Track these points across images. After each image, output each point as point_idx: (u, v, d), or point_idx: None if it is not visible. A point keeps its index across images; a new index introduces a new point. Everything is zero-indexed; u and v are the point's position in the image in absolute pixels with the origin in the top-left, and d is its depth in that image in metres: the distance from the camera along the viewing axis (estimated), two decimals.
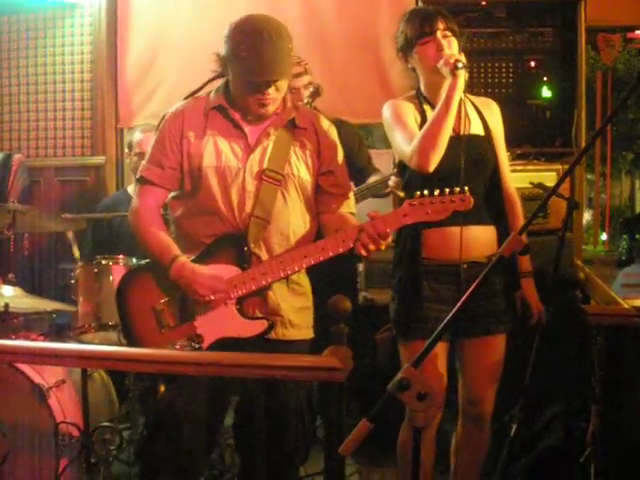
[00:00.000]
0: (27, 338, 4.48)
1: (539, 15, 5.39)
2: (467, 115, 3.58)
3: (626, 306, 3.88)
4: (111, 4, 6.40)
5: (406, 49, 3.61)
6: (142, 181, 3.34)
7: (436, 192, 3.06)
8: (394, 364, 3.74)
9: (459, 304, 2.41)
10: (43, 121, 6.64)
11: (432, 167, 3.38)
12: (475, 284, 2.42)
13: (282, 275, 3.16)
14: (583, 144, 5.22)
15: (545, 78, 5.38)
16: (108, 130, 6.40)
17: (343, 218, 3.36)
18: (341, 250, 3.10)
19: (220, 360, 2.77)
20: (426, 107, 3.59)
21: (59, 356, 2.90)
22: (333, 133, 3.44)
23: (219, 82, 3.40)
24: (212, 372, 2.85)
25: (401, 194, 3.89)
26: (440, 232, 3.45)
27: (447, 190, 3.06)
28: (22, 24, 6.65)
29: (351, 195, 3.48)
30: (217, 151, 3.23)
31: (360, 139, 4.99)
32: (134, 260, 4.43)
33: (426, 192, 3.07)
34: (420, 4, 5.47)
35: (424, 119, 3.53)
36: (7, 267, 4.99)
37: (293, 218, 3.28)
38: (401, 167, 3.68)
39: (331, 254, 3.10)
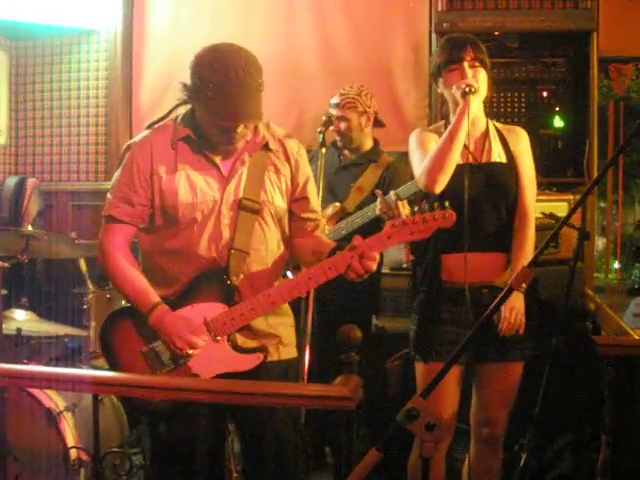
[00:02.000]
0: (39, 362, 4.51)
1: (552, 45, 5.42)
2: (489, 143, 3.61)
3: (636, 337, 3.88)
4: (127, 31, 6.49)
5: (436, 74, 3.65)
6: (111, 220, 3.11)
7: (416, 208, 3.00)
8: (405, 392, 3.75)
9: (470, 334, 2.42)
10: (58, 146, 6.71)
11: (439, 188, 3.43)
12: (484, 316, 2.44)
13: (270, 309, 3.04)
14: (595, 174, 5.24)
15: (557, 108, 5.41)
16: None
17: (319, 240, 3.26)
18: (329, 278, 2.98)
19: (231, 388, 2.78)
20: None
21: (76, 382, 2.90)
22: (303, 155, 3.28)
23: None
24: (223, 400, 2.84)
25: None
26: (458, 258, 3.49)
27: (426, 206, 2.98)
28: (38, 49, 6.74)
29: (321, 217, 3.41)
30: (192, 186, 3.05)
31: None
32: None
33: (407, 211, 3.03)
34: (434, 35, 5.52)
35: None
36: (20, 291, 5.03)
37: (271, 246, 3.16)
38: (426, 194, 3.69)
39: (318, 283, 2.99)
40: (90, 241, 5.14)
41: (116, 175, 3.19)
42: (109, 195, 3.16)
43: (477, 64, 3.55)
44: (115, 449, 4.25)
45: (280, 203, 3.17)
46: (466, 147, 3.56)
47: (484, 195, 3.52)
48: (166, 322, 2.98)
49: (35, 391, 3.96)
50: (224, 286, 3.04)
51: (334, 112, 4.76)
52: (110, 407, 4.49)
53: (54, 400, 4.03)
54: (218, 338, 3.01)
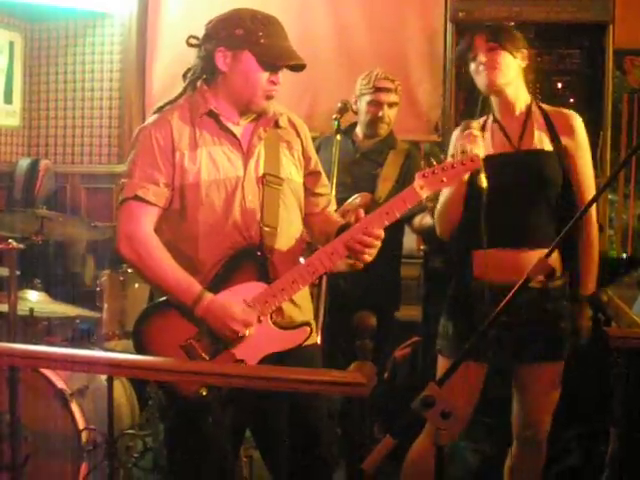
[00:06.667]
0: (50, 343, 4.53)
1: (567, 37, 5.44)
2: (530, 127, 3.37)
3: None
4: (141, 15, 6.50)
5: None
6: (135, 201, 2.95)
7: (449, 159, 2.97)
8: (413, 381, 3.75)
9: (482, 328, 2.42)
10: (71, 128, 6.74)
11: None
12: (501, 306, 2.40)
13: (312, 279, 2.91)
14: (608, 166, 5.25)
15: (572, 99, 5.41)
16: None
17: (327, 219, 3.21)
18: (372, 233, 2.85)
19: (246, 372, 2.77)
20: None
21: (92, 363, 2.89)
22: (307, 130, 3.25)
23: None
24: (238, 384, 2.82)
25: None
26: (490, 254, 3.24)
27: (451, 155, 2.98)
28: (53, 32, 6.76)
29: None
30: (214, 163, 2.96)
31: None
32: None
33: (434, 161, 3.00)
34: (449, 24, 5.53)
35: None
36: (34, 272, 5.04)
37: (294, 223, 3.09)
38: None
39: (363, 239, 2.84)
40: (105, 223, 5.18)
41: (130, 159, 3.03)
42: (124, 179, 3.01)
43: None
44: (129, 431, 4.28)
45: (297, 178, 3.12)
46: (504, 132, 3.39)
47: (521, 186, 3.30)
48: (216, 308, 2.88)
49: (47, 372, 3.98)
50: (260, 264, 2.94)
51: (378, 97, 4.54)
52: (121, 389, 4.51)
53: (66, 381, 4.04)
54: (261, 318, 2.90)
